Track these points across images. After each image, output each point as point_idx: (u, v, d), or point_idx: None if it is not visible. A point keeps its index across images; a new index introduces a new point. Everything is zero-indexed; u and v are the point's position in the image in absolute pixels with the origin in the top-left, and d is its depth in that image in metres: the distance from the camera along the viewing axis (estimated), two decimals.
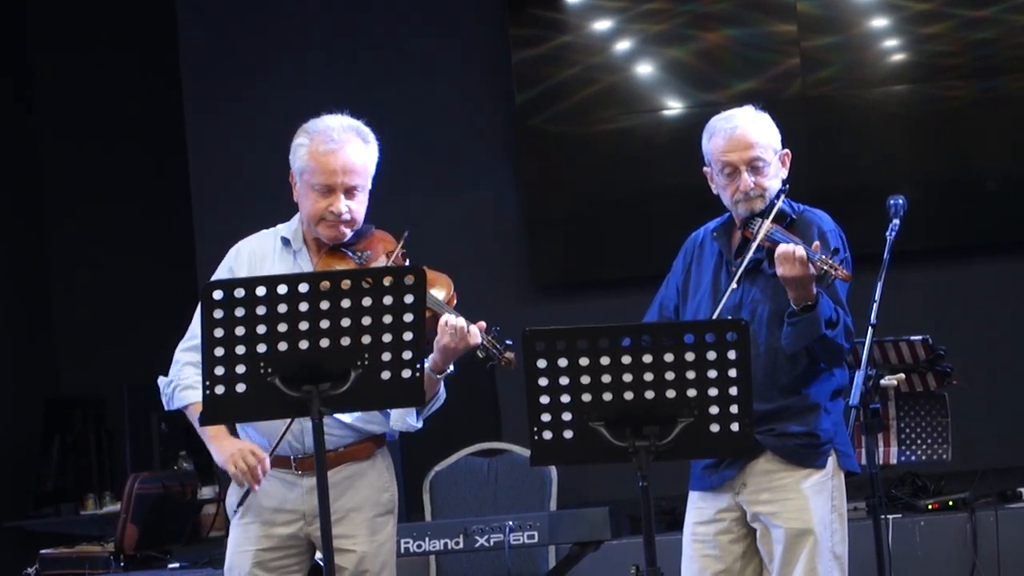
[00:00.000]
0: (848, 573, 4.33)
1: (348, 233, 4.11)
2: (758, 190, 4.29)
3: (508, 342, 4.01)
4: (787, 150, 4.39)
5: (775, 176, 4.34)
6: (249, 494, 4.07)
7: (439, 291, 4.01)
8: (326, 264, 4.10)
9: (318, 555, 4.12)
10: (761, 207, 4.29)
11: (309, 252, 4.16)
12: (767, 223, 4.22)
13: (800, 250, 4.05)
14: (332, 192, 4.07)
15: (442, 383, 4.09)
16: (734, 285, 4.26)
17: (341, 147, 4.07)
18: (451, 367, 4.04)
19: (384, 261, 4.08)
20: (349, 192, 4.08)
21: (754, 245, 4.23)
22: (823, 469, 4.28)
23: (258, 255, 4.18)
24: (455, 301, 4.03)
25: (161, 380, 4.19)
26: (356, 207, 4.10)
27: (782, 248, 4.08)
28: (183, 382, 4.13)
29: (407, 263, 4.10)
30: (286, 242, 4.19)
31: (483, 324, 4.00)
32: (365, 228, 4.15)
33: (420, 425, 4.11)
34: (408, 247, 4.12)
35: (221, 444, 4.05)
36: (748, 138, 4.31)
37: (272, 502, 4.11)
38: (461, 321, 3.95)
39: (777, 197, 4.31)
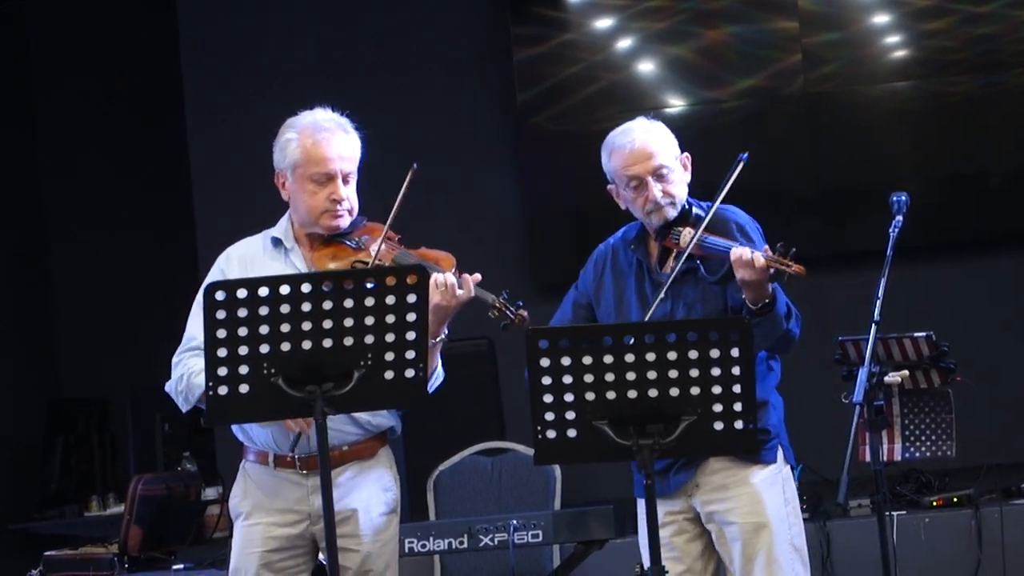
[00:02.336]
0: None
1: (348, 221, 4.13)
2: (667, 198, 4.29)
3: (519, 303, 4.06)
4: (687, 153, 4.38)
5: (681, 181, 4.34)
6: (300, 437, 3.99)
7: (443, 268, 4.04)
8: (323, 255, 4.12)
9: (322, 556, 4.11)
10: (673, 214, 4.29)
11: (301, 249, 4.17)
12: (699, 232, 4.19)
13: (758, 254, 4.04)
14: (331, 180, 4.10)
15: (439, 358, 4.09)
16: (662, 295, 4.22)
17: (332, 134, 4.11)
18: (445, 332, 4.05)
19: (380, 243, 4.08)
20: (345, 179, 4.11)
21: (684, 255, 4.21)
22: (774, 463, 4.29)
23: (248, 258, 4.20)
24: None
25: (168, 385, 4.13)
26: (352, 195, 4.14)
27: (738, 254, 4.05)
28: (194, 368, 4.04)
29: (401, 247, 4.13)
30: (276, 242, 4.20)
31: (478, 276, 4.05)
32: (357, 219, 4.18)
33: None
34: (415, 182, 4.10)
35: None
36: (648, 149, 4.30)
37: (277, 502, 4.11)
38: (450, 278, 3.99)
39: (689, 205, 4.30)
